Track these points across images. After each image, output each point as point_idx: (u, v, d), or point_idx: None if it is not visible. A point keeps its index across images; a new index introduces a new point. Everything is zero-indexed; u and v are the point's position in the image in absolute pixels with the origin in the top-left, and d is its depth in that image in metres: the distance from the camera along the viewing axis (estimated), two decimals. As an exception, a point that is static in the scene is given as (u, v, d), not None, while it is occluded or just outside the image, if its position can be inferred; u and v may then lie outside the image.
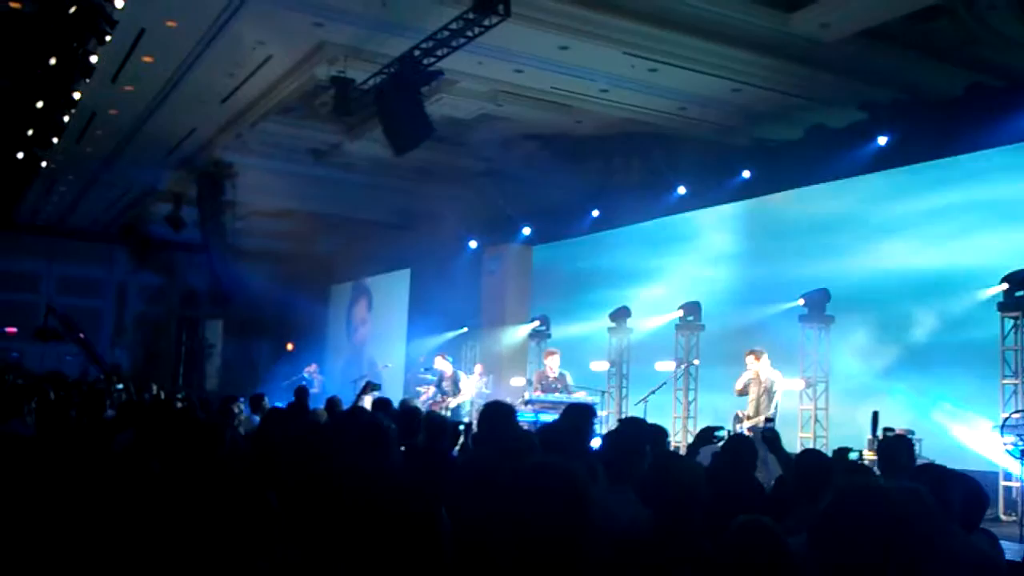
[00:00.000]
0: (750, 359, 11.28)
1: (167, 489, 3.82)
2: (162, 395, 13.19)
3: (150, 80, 13.87)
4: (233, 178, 17.57)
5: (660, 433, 5.75)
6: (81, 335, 19.92)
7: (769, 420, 5.89)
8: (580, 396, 13.33)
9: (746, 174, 14.42)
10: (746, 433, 10.73)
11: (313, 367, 20.34)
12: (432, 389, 15.29)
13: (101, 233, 25.64)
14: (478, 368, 16.85)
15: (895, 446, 5.62)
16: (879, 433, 10.03)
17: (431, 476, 5.02)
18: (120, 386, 13.08)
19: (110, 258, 26.66)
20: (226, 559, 2.57)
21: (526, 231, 19.23)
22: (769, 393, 11.08)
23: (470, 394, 14.82)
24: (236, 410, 9.52)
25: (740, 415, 11.19)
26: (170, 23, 11.87)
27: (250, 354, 24.52)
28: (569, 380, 13.63)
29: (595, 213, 17.40)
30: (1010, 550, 3.64)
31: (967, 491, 3.90)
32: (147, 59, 13.03)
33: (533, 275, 19.98)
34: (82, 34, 10.60)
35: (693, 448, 5.89)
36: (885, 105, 12.77)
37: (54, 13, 10.36)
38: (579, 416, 5.63)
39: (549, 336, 18.05)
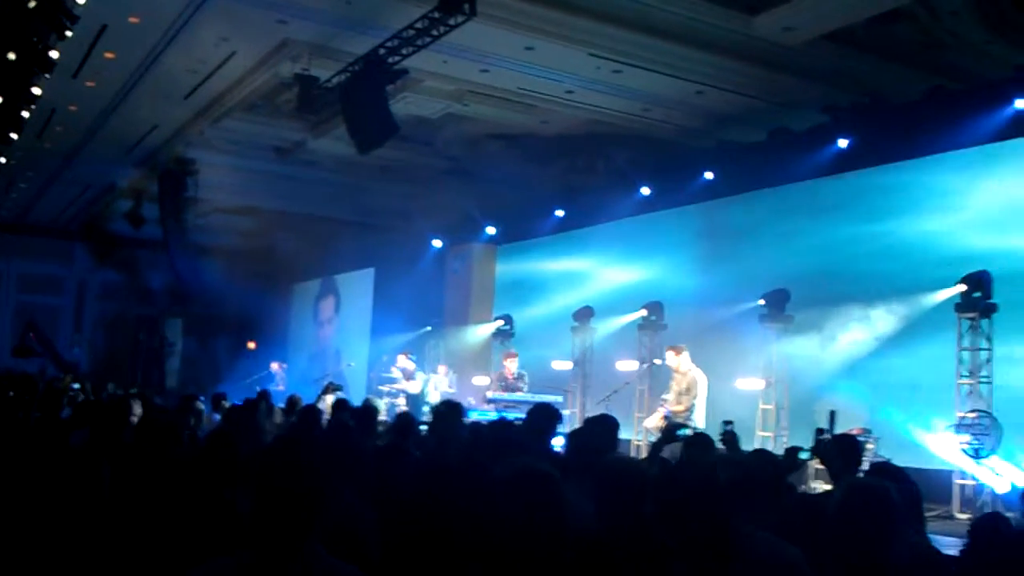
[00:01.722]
0: (669, 354, 11.31)
1: (121, 488, 3.79)
2: (120, 393, 13.06)
3: (112, 76, 13.73)
4: (195, 175, 17.40)
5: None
6: (32, 334, 19.75)
7: (727, 423, 5.96)
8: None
9: (709, 175, 14.54)
10: (658, 420, 10.90)
11: (278, 364, 20.11)
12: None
13: (61, 230, 25.35)
14: (442, 368, 16.82)
15: (838, 447, 5.65)
16: (833, 432, 10.13)
17: (392, 474, 5.02)
18: (76, 385, 12.93)
19: (70, 255, 26.36)
20: (182, 556, 2.56)
21: (490, 231, 19.26)
22: (689, 391, 11.02)
23: (418, 388, 15.09)
24: (197, 409, 9.45)
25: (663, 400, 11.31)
26: (132, 19, 11.76)
27: (211, 352, 24.33)
28: (525, 380, 13.88)
29: (559, 213, 17.47)
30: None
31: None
32: (109, 55, 12.90)
33: (497, 274, 20.00)
34: (42, 29, 10.46)
35: (657, 446, 5.94)
36: (846, 108, 12.91)
37: (14, 7, 10.22)
38: (542, 417, 5.68)
39: (513, 335, 18.08)
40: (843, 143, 12.66)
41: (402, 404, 15.25)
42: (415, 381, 15.62)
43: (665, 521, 2.09)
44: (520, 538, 2.56)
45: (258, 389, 15.23)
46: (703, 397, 11.00)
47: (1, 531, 3.28)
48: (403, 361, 15.37)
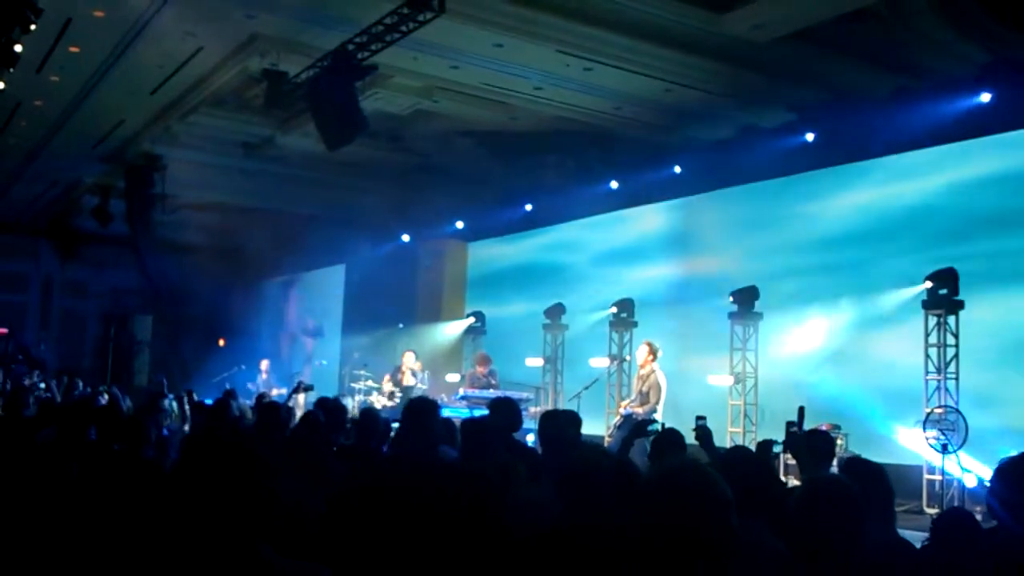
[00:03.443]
0: (643, 349, 11.37)
1: (87, 487, 3.75)
2: (88, 391, 12.91)
3: (77, 70, 13.56)
4: (163, 171, 17.23)
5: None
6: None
7: (700, 418, 5.98)
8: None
9: (677, 170, 14.63)
10: (617, 417, 11.03)
11: (265, 363, 19.28)
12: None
13: (27, 226, 25.02)
14: (416, 365, 16.76)
15: (810, 443, 5.69)
16: (803, 428, 10.21)
17: (359, 472, 5.00)
18: (42, 385, 12.75)
19: (36, 252, 26.03)
20: (146, 557, 2.53)
21: (460, 226, 19.23)
22: (649, 396, 11.08)
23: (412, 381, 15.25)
24: (164, 406, 9.38)
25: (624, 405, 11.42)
26: (98, 13, 11.61)
27: (181, 350, 24.09)
28: (495, 376, 14.11)
29: (528, 208, 17.49)
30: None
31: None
32: (74, 49, 12.73)
33: (468, 271, 19.98)
34: (5, 22, 10.32)
35: (627, 441, 5.94)
36: (813, 106, 13.00)
37: (-24, 1, 10.08)
38: (507, 411, 5.69)
39: (485, 333, 18.06)
40: (810, 137, 12.80)
41: (372, 401, 15.26)
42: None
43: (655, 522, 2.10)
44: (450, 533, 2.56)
45: (227, 387, 15.11)
46: (662, 401, 11.11)
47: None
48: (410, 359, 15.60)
